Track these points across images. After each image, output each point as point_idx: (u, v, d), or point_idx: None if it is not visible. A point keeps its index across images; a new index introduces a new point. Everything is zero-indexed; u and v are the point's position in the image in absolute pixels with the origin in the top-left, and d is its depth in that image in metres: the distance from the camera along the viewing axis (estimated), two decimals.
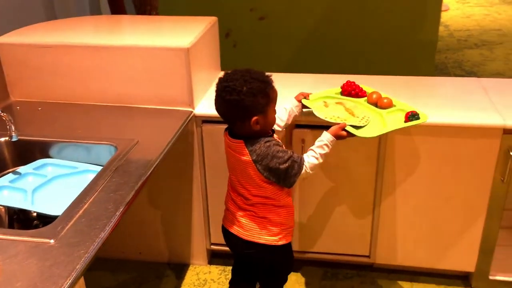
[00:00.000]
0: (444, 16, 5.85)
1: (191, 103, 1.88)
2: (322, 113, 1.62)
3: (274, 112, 1.53)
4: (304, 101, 1.70)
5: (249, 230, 1.59)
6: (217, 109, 1.52)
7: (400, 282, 2.05)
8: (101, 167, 1.50)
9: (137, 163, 1.51)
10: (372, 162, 1.85)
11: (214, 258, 2.20)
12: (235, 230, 1.62)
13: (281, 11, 3.42)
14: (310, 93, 1.74)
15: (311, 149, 1.53)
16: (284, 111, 1.70)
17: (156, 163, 1.51)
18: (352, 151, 1.83)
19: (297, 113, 1.71)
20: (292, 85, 1.96)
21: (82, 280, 1.15)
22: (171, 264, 2.19)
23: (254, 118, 1.45)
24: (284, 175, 1.48)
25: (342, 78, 1.83)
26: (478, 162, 1.78)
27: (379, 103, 1.67)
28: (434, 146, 1.79)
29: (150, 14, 3.02)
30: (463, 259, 1.97)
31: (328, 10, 3.36)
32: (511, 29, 5.27)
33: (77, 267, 1.09)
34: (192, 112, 1.87)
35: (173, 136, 1.69)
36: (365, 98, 1.73)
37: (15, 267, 1.09)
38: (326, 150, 1.52)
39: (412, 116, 1.56)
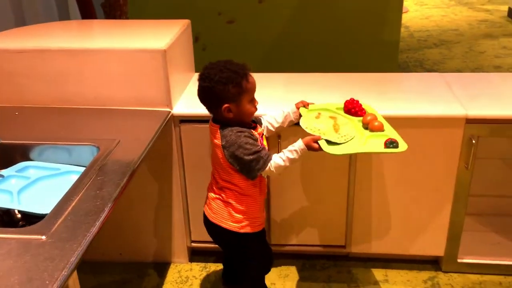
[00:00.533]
0: (404, 18, 6.05)
1: (169, 104, 1.92)
2: (305, 123, 1.67)
3: (251, 104, 1.61)
4: (301, 110, 1.75)
5: (216, 213, 1.70)
6: (197, 94, 1.64)
7: (374, 270, 2.14)
8: (84, 168, 1.53)
9: (121, 162, 1.54)
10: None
11: (195, 255, 2.24)
12: (206, 211, 1.75)
13: (249, 14, 3.50)
14: (312, 103, 1.79)
15: (282, 151, 1.61)
16: (281, 113, 1.78)
17: (139, 160, 1.55)
18: None
19: (293, 119, 1.76)
20: (264, 85, 2.03)
21: (75, 274, 1.19)
22: (153, 263, 2.22)
23: (225, 105, 1.56)
24: (248, 166, 1.58)
25: (311, 77, 1.90)
26: (444, 151, 1.90)
27: (370, 125, 1.65)
28: (403, 137, 1.89)
29: (120, 19, 3.04)
30: (432, 244, 2.07)
31: (295, 12, 3.46)
32: (467, 29, 5.52)
33: (71, 259, 1.12)
34: (170, 112, 1.92)
35: (153, 135, 1.73)
36: (360, 118, 1.72)
37: (10, 262, 1.11)
38: (295, 155, 1.58)
39: (390, 143, 1.56)
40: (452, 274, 2.09)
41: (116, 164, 1.53)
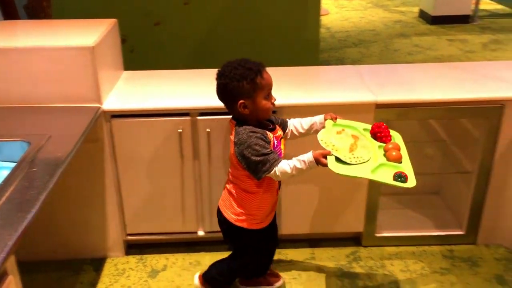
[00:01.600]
0: (325, 20, 6.37)
1: (98, 99, 1.97)
2: (323, 135, 1.67)
3: (268, 100, 1.65)
4: (327, 122, 1.76)
5: (223, 200, 1.82)
6: (216, 92, 1.70)
7: (302, 249, 2.29)
8: (15, 163, 1.56)
9: (53, 155, 1.58)
10: None
11: (131, 248, 2.30)
12: (220, 197, 1.86)
13: (175, 15, 3.58)
14: (338, 117, 1.79)
15: (292, 159, 1.63)
16: (309, 121, 1.81)
17: (71, 153, 1.60)
18: None
19: (318, 129, 1.77)
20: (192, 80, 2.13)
21: (13, 257, 1.23)
22: (89, 259, 2.24)
23: (241, 101, 1.62)
24: (254, 167, 1.62)
25: None
26: None
27: (387, 154, 1.63)
28: None
29: None
30: (353, 222, 2.26)
31: (220, 12, 3.59)
32: (383, 29, 5.89)
33: (8, 243, 1.16)
34: (100, 107, 1.97)
35: (84, 130, 1.78)
36: (383, 144, 1.69)
37: None
38: (302, 166, 1.59)
39: (398, 176, 1.54)
40: (371, 248, 2.29)
41: (48, 158, 1.57)
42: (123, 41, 2.41)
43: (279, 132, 1.74)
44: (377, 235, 2.29)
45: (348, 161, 1.57)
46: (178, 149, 2.05)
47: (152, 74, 2.36)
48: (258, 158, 1.60)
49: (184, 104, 2.02)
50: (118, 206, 2.16)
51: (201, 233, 2.25)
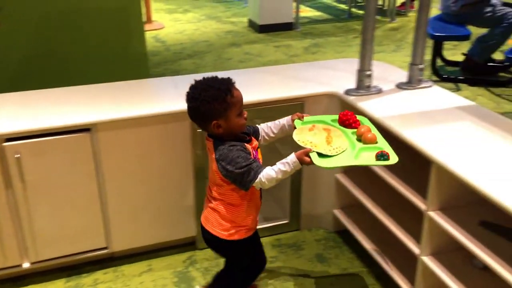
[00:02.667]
0: (161, 34, 6.42)
1: None
2: (298, 135, 1.69)
3: (240, 116, 1.66)
4: (296, 122, 1.78)
5: (208, 220, 1.79)
6: (188, 114, 1.71)
7: (139, 263, 2.29)
8: None
9: None
10: (89, 160, 2.04)
11: None
12: (202, 219, 1.83)
13: None
14: (307, 115, 1.82)
15: (276, 164, 1.64)
16: (277, 124, 1.85)
17: None
18: (67, 153, 2.00)
19: (288, 131, 1.80)
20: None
21: None
22: None
23: (214, 122, 1.63)
24: (240, 179, 1.63)
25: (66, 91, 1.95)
26: (179, 142, 2.15)
27: (363, 137, 1.69)
28: (141, 136, 2.09)
29: None
30: (185, 227, 2.33)
31: (44, 29, 3.43)
32: (216, 40, 6.12)
33: None
34: None
35: None
36: (354, 130, 1.75)
37: None
38: (287, 168, 1.61)
39: (381, 155, 1.60)
40: (206, 249, 2.37)
41: None
42: None
43: (255, 143, 1.77)
44: None
45: (330, 154, 1.62)
46: None
47: None
48: (242, 170, 1.62)
49: None
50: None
51: (26, 265, 2.13)
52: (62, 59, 3.52)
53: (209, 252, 2.36)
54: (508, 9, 4.27)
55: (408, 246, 1.88)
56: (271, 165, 1.65)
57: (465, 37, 4.13)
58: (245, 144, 1.70)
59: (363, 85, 2.18)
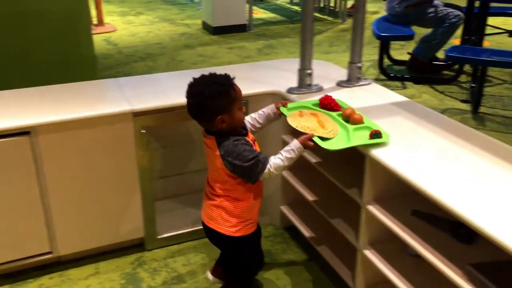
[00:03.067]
0: (113, 36, 6.35)
1: None
2: (295, 122, 1.75)
3: (240, 110, 1.70)
4: (282, 109, 1.86)
5: (212, 218, 1.79)
6: (188, 111, 1.72)
7: (86, 266, 2.27)
8: None
9: None
10: (29, 164, 2.01)
11: None
12: (203, 217, 1.85)
13: None
14: (289, 102, 1.93)
15: (279, 152, 1.69)
16: (262, 114, 1.90)
17: None
18: (5, 157, 1.97)
19: (273, 119, 1.90)
20: None
21: None
22: None
23: (219, 117, 1.64)
24: (249, 172, 1.65)
25: (7, 93, 1.91)
26: (122, 143, 2.15)
27: (350, 118, 1.78)
28: (84, 138, 2.08)
29: None
30: (133, 228, 2.32)
31: None
32: (170, 42, 6.10)
33: None
34: None
35: None
36: (339, 112, 1.84)
37: None
38: (292, 154, 1.68)
39: (375, 134, 1.69)
40: (155, 250, 2.38)
41: None
42: None
43: (252, 136, 1.80)
44: (159, 237, 2.39)
45: (329, 137, 1.69)
46: None
47: None
48: (250, 163, 1.64)
49: None
50: None
51: None
52: (7, 61, 3.44)
53: (158, 253, 2.36)
54: (449, 10, 4.46)
55: (348, 238, 1.95)
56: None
57: (409, 37, 4.28)
58: (246, 138, 1.74)
59: (304, 84, 2.24)
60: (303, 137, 1.69)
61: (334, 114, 1.85)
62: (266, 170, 1.66)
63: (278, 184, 2.44)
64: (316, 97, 2.03)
